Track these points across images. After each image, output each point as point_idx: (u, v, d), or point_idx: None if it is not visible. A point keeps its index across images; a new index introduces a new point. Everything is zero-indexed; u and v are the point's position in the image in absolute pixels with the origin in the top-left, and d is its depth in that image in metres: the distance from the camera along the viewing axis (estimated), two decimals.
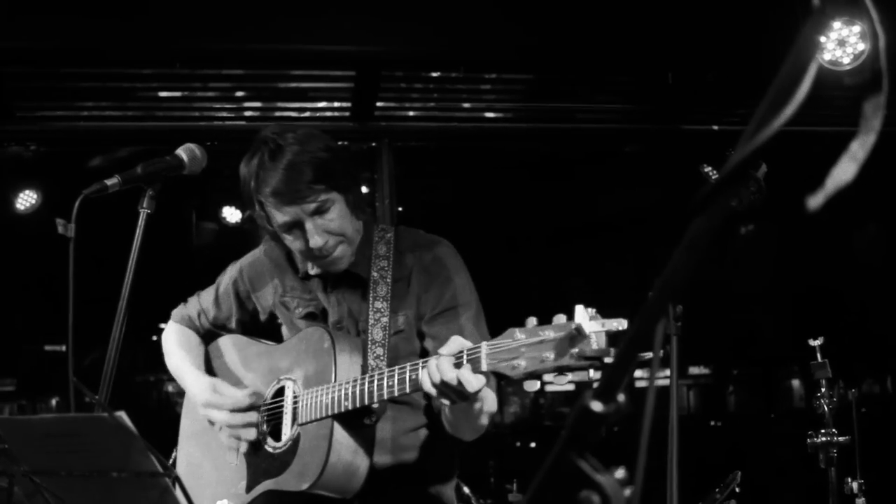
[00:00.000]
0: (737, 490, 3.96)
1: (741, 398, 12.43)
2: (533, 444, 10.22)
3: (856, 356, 8.13)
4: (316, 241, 2.61)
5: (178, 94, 6.00)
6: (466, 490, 5.61)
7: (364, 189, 6.76)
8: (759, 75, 5.37)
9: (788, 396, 11.86)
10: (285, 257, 2.92)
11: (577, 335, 1.90)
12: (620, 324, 1.88)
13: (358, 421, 2.55)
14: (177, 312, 3.14)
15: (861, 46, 5.13)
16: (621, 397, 0.96)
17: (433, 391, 2.21)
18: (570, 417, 0.96)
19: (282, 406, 2.69)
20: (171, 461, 3.00)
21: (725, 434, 10.61)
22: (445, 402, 2.23)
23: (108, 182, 2.34)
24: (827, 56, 5.13)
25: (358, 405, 2.44)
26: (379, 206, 6.21)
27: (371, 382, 2.41)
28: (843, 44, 5.16)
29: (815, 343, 3.98)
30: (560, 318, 1.97)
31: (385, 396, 2.38)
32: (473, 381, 2.12)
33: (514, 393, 14.26)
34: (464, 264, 2.76)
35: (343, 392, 2.47)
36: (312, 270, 2.83)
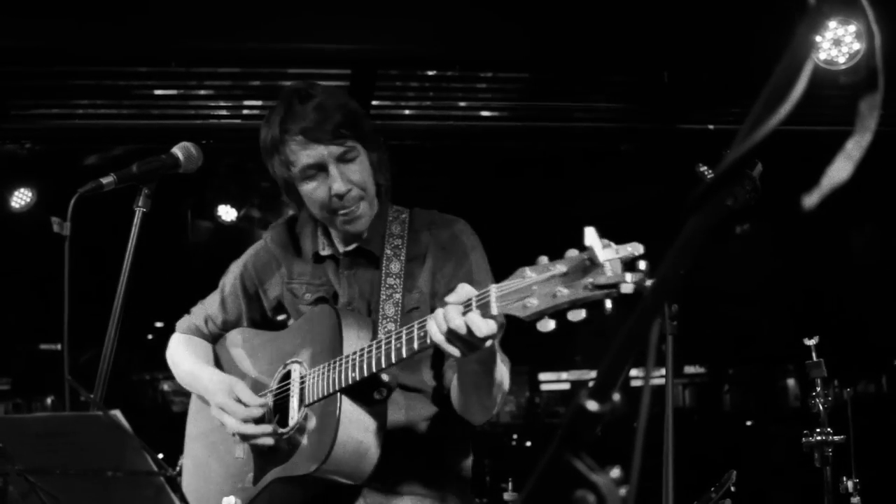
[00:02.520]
0: (732, 489, 3.97)
1: (737, 397, 12.45)
2: (528, 443, 10.22)
3: (851, 356, 8.14)
4: (339, 186, 2.55)
5: (173, 92, 6.00)
6: None
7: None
8: (755, 75, 5.37)
9: (784, 396, 11.89)
10: (291, 242, 2.87)
11: (591, 264, 1.77)
12: (636, 248, 1.74)
13: (368, 396, 2.44)
14: (181, 324, 3.02)
15: (856, 46, 5.14)
16: (616, 396, 0.95)
17: (443, 341, 2.10)
18: (566, 416, 0.96)
19: (288, 390, 2.61)
20: (177, 468, 2.94)
21: (721, 433, 10.62)
22: (455, 352, 2.11)
23: (104, 180, 2.33)
24: (822, 55, 5.14)
25: (366, 374, 2.35)
26: None
27: (378, 349, 2.32)
28: (838, 43, 5.16)
29: (811, 342, 3.99)
30: (572, 252, 1.85)
31: (394, 360, 2.28)
32: (482, 326, 2.02)
33: (510, 392, 14.27)
34: (480, 243, 2.71)
35: (350, 363, 2.39)
36: (324, 251, 2.77)
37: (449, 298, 2.09)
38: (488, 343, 2.09)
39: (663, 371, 3.17)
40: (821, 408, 3.97)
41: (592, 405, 0.95)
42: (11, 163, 6.53)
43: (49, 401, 9.82)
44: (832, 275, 9.02)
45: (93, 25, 5.27)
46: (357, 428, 2.42)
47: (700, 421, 12.24)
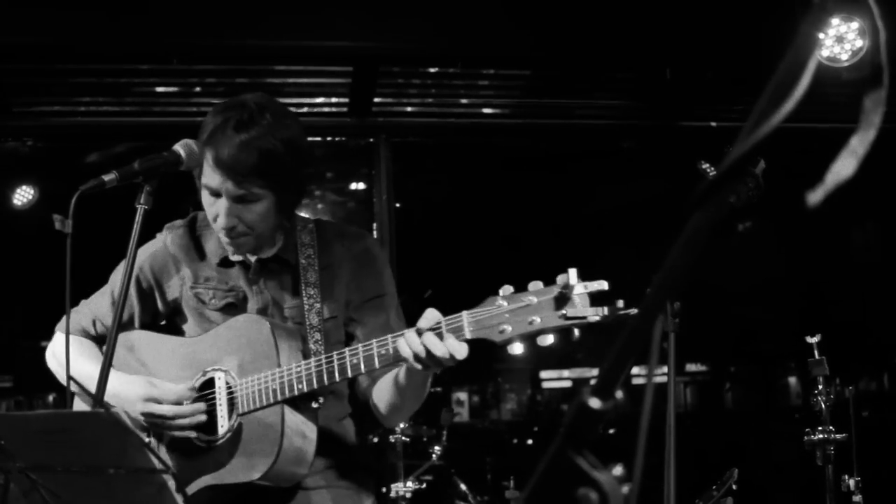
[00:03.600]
0: (734, 487, 3.97)
1: (738, 395, 12.44)
2: (530, 441, 10.21)
3: (853, 354, 8.14)
4: (223, 220, 2.56)
5: (174, 89, 6.00)
6: (463, 487, 5.62)
7: (361, 185, 6.77)
8: (758, 72, 5.37)
9: (785, 394, 11.88)
10: (194, 245, 2.81)
11: (563, 297, 2.06)
12: (601, 285, 2.04)
13: (306, 404, 2.54)
14: (64, 324, 2.67)
15: (859, 43, 5.13)
16: (619, 394, 0.95)
17: (415, 363, 2.27)
18: (568, 414, 0.96)
19: (213, 398, 2.61)
20: None
21: (722, 431, 10.61)
22: (420, 367, 2.29)
23: (106, 178, 2.32)
24: (825, 52, 5.13)
25: (316, 386, 2.45)
26: (377, 201, 6.21)
27: (330, 363, 2.42)
28: (841, 40, 5.16)
29: (813, 340, 3.99)
30: (537, 284, 2.11)
31: (350, 374, 2.41)
32: (460, 350, 2.21)
33: (512, 390, 14.26)
34: (387, 259, 2.88)
35: (295, 376, 2.46)
36: (234, 256, 2.74)
37: (421, 323, 2.26)
38: (447, 364, 2.26)
39: (665, 369, 3.17)
40: (822, 406, 3.97)
41: (595, 403, 0.94)
42: (13, 160, 6.53)
43: (50, 398, 9.81)
44: (834, 272, 9.01)
45: (94, 22, 5.27)
46: (298, 436, 2.53)
47: (701, 419, 12.23)
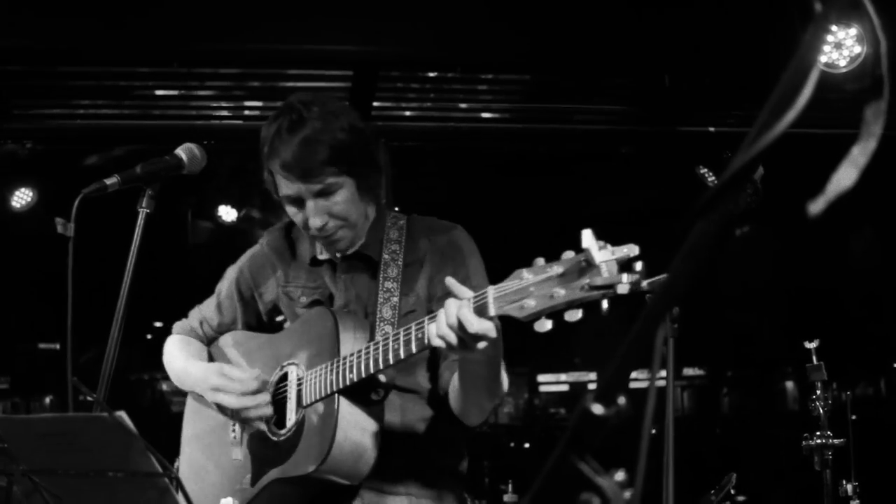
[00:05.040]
0: (732, 492, 3.97)
1: (736, 400, 12.45)
2: (527, 445, 10.22)
3: (851, 359, 8.15)
4: (314, 221, 2.57)
5: (175, 92, 6.00)
6: None
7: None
8: (756, 78, 5.38)
9: (783, 398, 11.88)
10: (288, 246, 2.88)
11: (587, 266, 1.83)
12: (631, 250, 1.80)
13: (365, 397, 2.47)
14: (178, 325, 3.05)
15: (857, 49, 5.14)
16: (622, 399, 0.96)
17: (438, 342, 2.15)
18: (571, 420, 0.97)
19: (286, 392, 2.63)
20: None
21: (720, 436, 10.62)
22: (447, 348, 2.16)
23: (108, 181, 2.33)
24: (823, 59, 5.14)
25: (364, 375, 2.38)
26: None
27: (376, 350, 2.35)
28: (839, 47, 5.17)
29: (811, 345, 3.99)
30: (568, 254, 1.90)
31: (391, 361, 2.31)
32: (474, 322, 2.06)
33: (509, 394, 14.26)
34: (477, 249, 2.73)
35: (348, 365, 2.42)
36: (321, 255, 2.78)
37: (448, 300, 2.13)
38: (481, 344, 2.12)
39: (663, 374, 3.17)
40: (820, 411, 3.97)
41: (598, 408, 0.95)
42: (12, 162, 6.52)
43: (47, 400, 9.81)
44: (832, 277, 9.02)
45: (94, 26, 5.28)
46: (355, 429, 2.45)
47: (699, 423, 12.23)
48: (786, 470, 7.29)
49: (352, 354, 2.42)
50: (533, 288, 1.91)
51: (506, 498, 5.54)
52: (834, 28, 5.10)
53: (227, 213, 7.60)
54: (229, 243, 7.37)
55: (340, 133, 2.52)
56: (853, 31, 5.10)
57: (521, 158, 7.68)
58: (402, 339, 2.29)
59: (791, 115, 0.84)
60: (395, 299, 2.61)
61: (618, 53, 5.82)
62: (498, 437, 10.27)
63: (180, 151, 2.46)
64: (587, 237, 1.82)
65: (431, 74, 6.03)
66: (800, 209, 0.87)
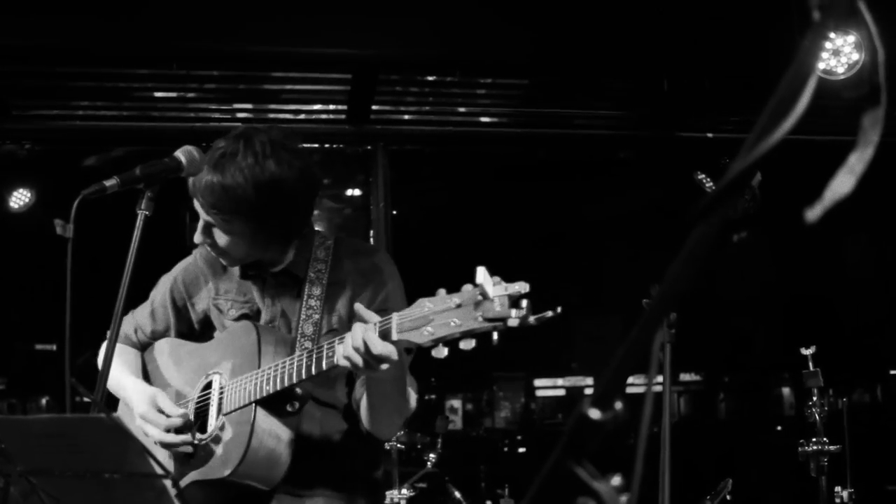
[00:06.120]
0: (728, 498, 3.98)
1: (732, 406, 12.45)
2: (524, 450, 10.22)
3: (847, 365, 8.16)
4: (197, 236, 2.73)
5: (173, 94, 6.01)
6: (458, 494, 5.62)
7: (358, 192, 6.78)
8: (755, 84, 5.40)
9: (779, 405, 11.89)
10: (219, 258, 2.93)
11: (482, 299, 1.99)
12: (522, 287, 1.96)
13: (281, 408, 2.60)
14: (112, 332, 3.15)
15: (855, 56, 5.15)
16: (619, 405, 0.96)
17: (345, 363, 2.30)
18: (568, 425, 0.97)
19: (209, 399, 2.75)
20: None
21: (716, 441, 10.62)
22: (355, 369, 2.32)
23: (107, 183, 2.33)
24: (821, 65, 5.15)
25: (279, 387, 2.50)
26: (374, 209, 6.22)
27: (292, 365, 2.48)
28: (837, 53, 5.18)
29: (807, 352, 4.00)
30: (467, 287, 2.06)
31: (304, 376, 2.45)
32: (377, 344, 2.21)
33: (506, 398, 14.25)
34: (398, 273, 2.86)
35: (265, 377, 2.55)
36: (251, 269, 2.86)
37: (356, 324, 2.29)
38: (384, 365, 2.27)
39: (660, 379, 3.18)
40: (816, 417, 3.98)
41: (594, 413, 0.95)
42: (11, 163, 6.52)
43: (44, 401, 9.80)
44: (828, 284, 9.03)
45: (94, 26, 5.28)
46: (269, 437, 2.60)
47: (695, 429, 12.24)
48: (782, 476, 7.29)
49: (270, 367, 2.55)
50: (433, 316, 2.09)
51: (502, 502, 5.54)
52: (832, 35, 5.12)
53: None
54: None
55: (251, 191, 2.57)
56: (851, 38, 5.12)
57: (519, 162, 7.69)
58: (314, 356, 2.43)
59: (789, 121, 0.85)
60: (317, 317, 2.73)
61: (617, 58, 5.84)
62: (494, 441, 10.28)
63: (179, 154, 2.47)
64: (481, 274, 1.99)
65: (430, 78, 6.04)
66: (797, 216, 0.87)
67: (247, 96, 6.08)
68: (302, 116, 6.13)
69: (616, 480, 0.97)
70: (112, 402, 2.88)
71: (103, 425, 1.84)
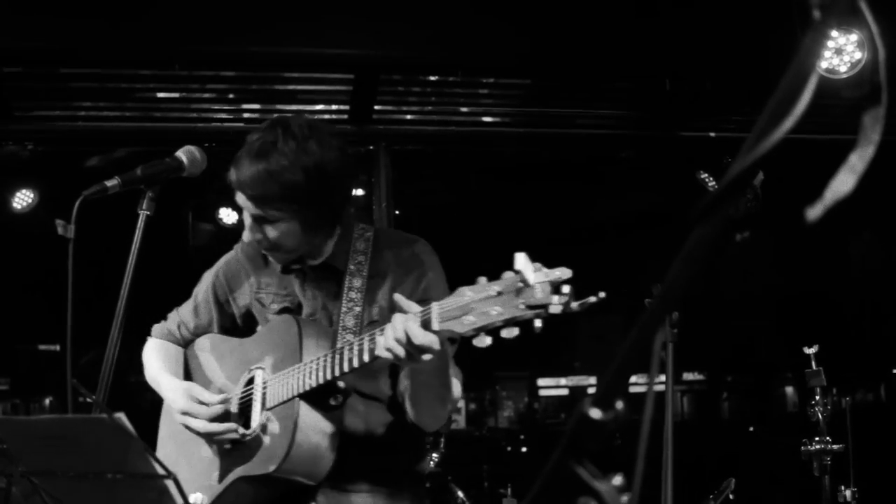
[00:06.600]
0: (731, 497, 3.98)
1: (735, 405, 12.45)
2: (526, 449, 10.21)
3: (850, 364, 8.15)
4: (246, 234, 2.70)
5: (176, 95, 6.01)
6: (461, 494, 5.62)
7: (360, 192, 6.79)
8: (757, 83, 5.39)
9: (782, 404, 11.89)
10: (261, 254, 2.92)
11: (523, 286, 1.94)
12: (563, 273, 1.92)
13: (324, 402, 2.59)
14: (157, 329, 3.15)
15: (858, 55, 5.15)
16: (620, 404, 0.96)
17: (387, 354, 2.27)
18: (570, 424, 0.97)
19: (252, 394, 2.74)
20: None
21: (719, 441, 10.62)
22: (397, 360, 2.30)
23: (108, 183, 2.34)
24: (823, 64, 5.15)
25: (322, 381, 2.49)
26: (376, 209, 6.22)
27: (334, 358, 2.47)
28: (840, 52, 5.18)
29: (810, 351, 4.00)
30: (508, 274, 2.01)
31: (346, 369, 2.43)
32: (419, 334, 2.18)
33: (509, 398, 14.25)
34: (439, 262, 2.82)
35: (308, 371, 2.53)
36: (293, 263, 2.85)
37: (396, 315, 2.26)
38: (426, 356, 2.24)
39: (663, 378, 3.18)
40: (820, 416, 3.98)
41: (596, 413, 0.95)
42: (14, 164, 6.53)
43: (47, 402, 9.81)
44: (831, 283, 9.02)
45: (96, 27, 5.28)
46: (313, 431, 2.58)
47: (698, 428, 12.24)
48: (784, 475, 7.29)
49: (312, 361, 2.54)
50: (474, 305, 2.04)
51: (505, 502, 5.54)
52: (835, 34, 5.11)
53: (228, 216, 7.60)
54: (230, 246, 7.36)
55: (300, 175, 2.55)
56: (854, 36, 5.11)
57: (521, 162, 7.69)
58: (356, 348, 2.41)
59: (790, 122, 0.85)
60: (358, 309, 2.70)
61: (619, 58, 5.83)
62: (497, 440, 10.27)
63: (181, 154, 2.47)
64: (521, 260, 1.95)
65: (432, 78, 6.04)
66: (800, 217, 0.87)
67: (249, 97, 6.08)
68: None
69: (618, 480, 0.97)
70: (113, 402, 2.88)
71: (105, 426, 1.84)
